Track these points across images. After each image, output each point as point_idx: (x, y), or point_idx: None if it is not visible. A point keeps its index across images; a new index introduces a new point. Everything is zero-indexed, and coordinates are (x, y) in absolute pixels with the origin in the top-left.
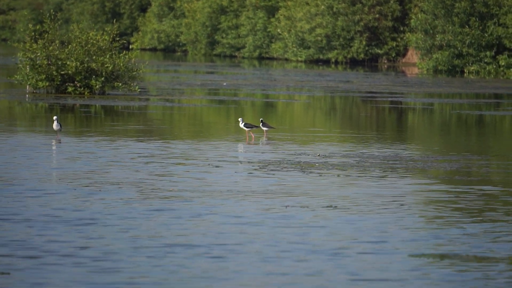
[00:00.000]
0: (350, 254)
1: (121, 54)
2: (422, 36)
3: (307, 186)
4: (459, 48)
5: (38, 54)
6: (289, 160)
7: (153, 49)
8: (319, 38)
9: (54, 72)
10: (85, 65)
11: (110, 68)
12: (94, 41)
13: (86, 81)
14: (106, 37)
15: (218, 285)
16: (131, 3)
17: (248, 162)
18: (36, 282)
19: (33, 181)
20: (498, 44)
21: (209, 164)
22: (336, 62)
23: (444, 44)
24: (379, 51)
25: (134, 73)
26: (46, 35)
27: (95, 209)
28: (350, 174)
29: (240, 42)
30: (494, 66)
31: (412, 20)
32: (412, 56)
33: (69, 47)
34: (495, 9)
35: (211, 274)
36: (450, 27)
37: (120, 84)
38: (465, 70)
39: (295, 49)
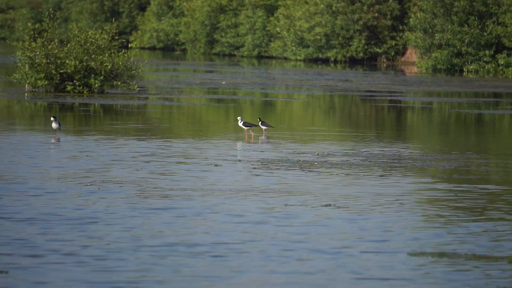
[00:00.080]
0: (352, 253)
1: (120, 53)
2: (421, 35)
3: (308, 185)
4: (458, 47)
5: (37, 53)
6: (289, 159)
7: (152, 48)
8: (318, 37)
9: (53, 71)
10: (84, 64)
11: (109, 67)
12: (93, 40)
13: (85, 80)
14: (105, 36)
15: (220, 284)
16: (130, 2)
17: (248, 161)
18: (37, 281)
19: (34, 179)
20: (497, 43)
21: (208, 164)
22: (335, 61)
23: (443, 43)
24: (378, 50)
25: (133, 72)
26: (45, 34)
27: (97, 208)
28: (350, 173)
29: (239, 41)
30: (493, 65)
31: (411, 19)
32: (411, 55)
33: (68, 46)
34: (494, 8)
35: (213, 273)
36: (449, 26)
37: (119, 83)
38: (464, 69)
39: (294, 48)
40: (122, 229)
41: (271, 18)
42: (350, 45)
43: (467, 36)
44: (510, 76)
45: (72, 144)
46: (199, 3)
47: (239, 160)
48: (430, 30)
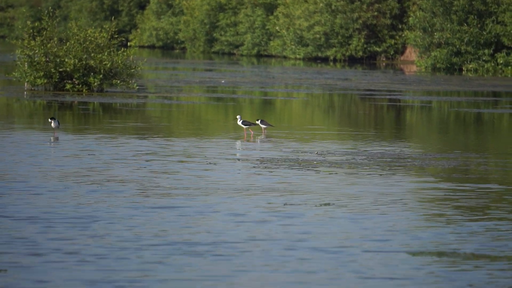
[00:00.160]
0: (354, 252)
1: (120, 52)
2: (421, 34)
3: (309, 184)
4: (457, 46)
5: (36, 51)
6: (289, 158)
7: (152, 47)
8: (318, 36)
9: (52, 69)
10: (83, 62)
11: (108, 65)
12: (92, 39)
13: (84, 78)
14: (105, 35)
15: (222, 283)
16: (129, 0)
17: (247, 160)
18: (38, 279)
19: (35, 178)
20: (496, 42)
21: (208, 163)
22: (335, 60)
23: (443, 42)
24: (377, 49)
25: (132, 70)
26: (44, 32)
27: (98, 206)
28: (350, 172)
29: (238, 40)
30: (493, 64)
31: (410, 18)
32: (411, 54)
33: (67, 45)
34: (494, 7)
35: (214, 272)
36: (449, 25)
37: (119, 82)
38: (464, 68)
39: (293, 46)
40: (123, 228)
41: (271, 17)
42: (349, 44)
43: (467, 35)
44: (509, 75)
45: (72, 143)
46: (198, 2)
47: (238, 159)
48: (429, 29)
